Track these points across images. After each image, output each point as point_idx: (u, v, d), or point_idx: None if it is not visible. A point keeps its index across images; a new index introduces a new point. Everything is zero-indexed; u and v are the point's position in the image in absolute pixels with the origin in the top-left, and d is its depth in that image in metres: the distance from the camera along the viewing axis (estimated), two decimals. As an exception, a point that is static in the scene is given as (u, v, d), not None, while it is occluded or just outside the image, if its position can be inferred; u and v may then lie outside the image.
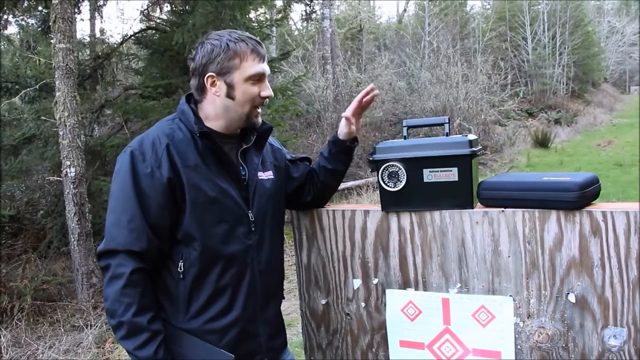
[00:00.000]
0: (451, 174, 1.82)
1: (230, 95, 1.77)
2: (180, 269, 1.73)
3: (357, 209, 1.97)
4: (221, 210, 1.75)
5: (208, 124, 1.81)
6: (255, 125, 1.86)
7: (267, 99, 1.83)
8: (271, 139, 2.04)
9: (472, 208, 1.80)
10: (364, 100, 1.92)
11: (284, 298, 2.05)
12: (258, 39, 1.83)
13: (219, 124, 1.82)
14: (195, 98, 1.84)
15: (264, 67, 1.80)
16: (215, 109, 1.80)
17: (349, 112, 1.93)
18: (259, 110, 1.84)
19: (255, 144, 1.90)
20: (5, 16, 9.02)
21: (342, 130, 1.97)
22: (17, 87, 7.30)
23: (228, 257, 1.76)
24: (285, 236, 2.09)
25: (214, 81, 1.77)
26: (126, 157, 1.71)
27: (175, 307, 1.75)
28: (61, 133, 5.66)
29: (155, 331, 1.66)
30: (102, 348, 4.65)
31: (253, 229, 1.82)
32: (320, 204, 2.08)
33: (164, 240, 1.71)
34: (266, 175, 1.91)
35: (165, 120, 1.82)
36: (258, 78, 1.78)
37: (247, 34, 1.82)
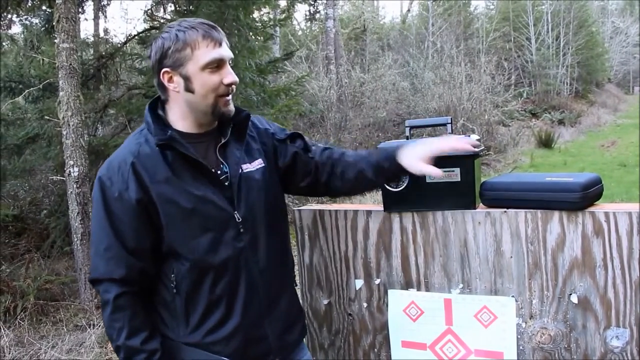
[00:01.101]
0: (454, 175, 1.82)
1: (189, 89, 1.65)
2: (173, 283, 1.68)
3: (359, 209, 1.97)
4: (202, 219, 1.65)
5: (178, 125, 1.71)
6: (226, 116, 1.72)
7: (233, 86, 1.69)
8: (256, 120, 1.90)
9: (475, 208, 1.80)
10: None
11: (296, 285, 1.97)
12: (212, 23, 1.69)
13: (188, 123, 1.71)
14: (162, 99, 1.76)
15: (221, 52, 1.65)
16: (180, 107, 1.70)
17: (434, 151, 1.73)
18: (228, 98, 1.69)
19: (234, 135, 1.78)
20: (9, 16, 9.04)
21: (413, 165, 1.72)
22: (20, 86, 7.30)
23: (218, 266, 1.68)
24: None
25: (171, 77, 1.66)
26: (96, 185, 1.67)
27: (176, 321, 1.72)
28: (64, 133, 5.66)
29: (151, 351, 1.65)
30: (105, 348, 4.64)
31: (242, 230, 1.70)
32: (316, 195, 2.01)
33: (146, 261, 1.67)
34: (253, 165, 1.77)
35: (134, 134, 1.74)
36: (216, 65, 1.64)
37: (200, 20, 1.69)
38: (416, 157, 1.72)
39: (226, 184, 1.71)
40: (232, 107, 1.72)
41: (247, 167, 1.75)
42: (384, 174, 1.82)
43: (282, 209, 1.90)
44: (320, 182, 1.90)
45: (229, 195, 1.70)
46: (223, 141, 1.75)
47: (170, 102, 1.72)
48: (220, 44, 1.66)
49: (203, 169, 1.67)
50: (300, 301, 2.11)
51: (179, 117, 1.72)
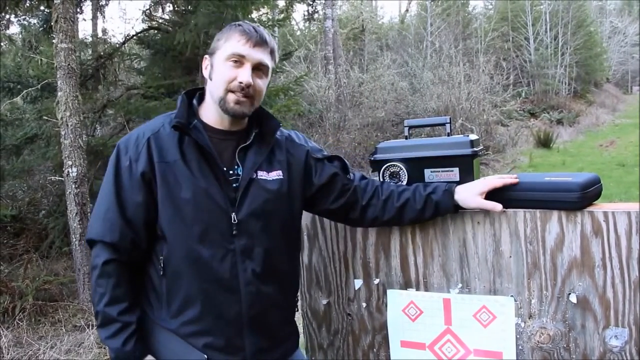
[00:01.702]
0: (452, 174, 1.82)
1: (210, 76, 1.72)
2: (161, 264, 1.68)
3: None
4: (195, 211, 1.64)
5: (206, 117, 1.74)
6: (230, 113, 1.69)
7: (250, 89, 1.67)
8: (294, 135, 1.89)
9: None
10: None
11: (297, 308, 1.92)
12: (263, 30, 1.71)
13: (213, 116, 1.74)
14: (202, 92, 1.81)
15: (249, 51, 1.66)
16: (207, 96, 1.75)
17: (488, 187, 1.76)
18: (240, 97, 1.67)
19: (259, 141, 1.77)
20: (7, 16, 9.03)
21: (470, 200, 1.76)
22: (19, 86, 7.30)
23: (200, 261, 1.65)
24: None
25: (207, 63, 1.74)
26: (114, 151, 1.72)
27: (159, 304, 1.72)
28: (63, 133, 5.66)
29: (126, 323, 1.67)
30: (104, 348, 4.64)
31: (235, 232, 1.66)
32: (342, 220, 1.95)
33: (139, 234, 1.68)
34: (271, 175, 1.74)
35: (163, 115, 1.78)
36: (237, 59, 1.66)
37: (257, 25, 1.71)
38: (473, 193, 1.75)
39: (234, 185, 1.69)
40: (243, 108, 1.69)
41: (263, 175, 1.74)
42: (434, 207, 1.80)
43: (296, 226, 1.87)
44: (356, 207, 1.86)
45: (233, 196, 1.68)
46: (245, 143, 1.75)
47: (206, 91, 1.77)
48: (254, 45, 1.67)
49: (213, 161, 1.67)
50: (300, 302, 2.11)
51: (207, 108, 1.76)
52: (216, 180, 1.67)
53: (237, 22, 1.72)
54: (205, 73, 1.74)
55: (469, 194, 1.75)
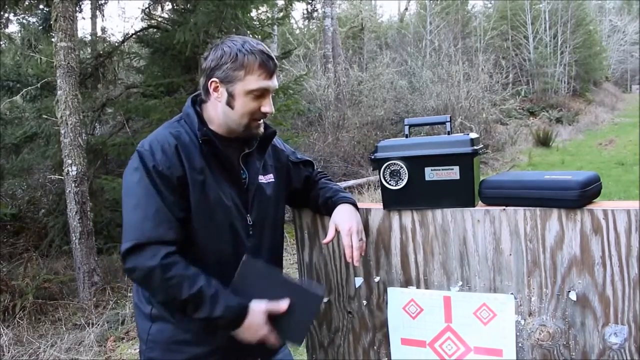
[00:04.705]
0: (453, 173, 1.82)
1: (230, 104, 1.77)
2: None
3: (359, 207, 1.97)
4: (222, 213, 1.76)
5: (212, 126, 1.82)
6: (255, 137, 1.85)
7: (269, 114, 1.80)
8: (275, 140, 2.03)
9: (474, 206, 1.80)
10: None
11: None
12: (271, 52, 1.79)
13: (221, 127, 1.81)
14: (201, 97, 1.85)
15: (269, 84, 1.76)
16: (217, 113, 1.80)
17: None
18: (260, 122, 1.82)
19: (258, 148, 1.90)
20: (6, 14, 9.02)
21: (331, 221, 1.91)
22: (18, 85, 7.30)
23: (227, 258, 1.77)
24: (286, 235, 2.07)
25: (217, 87, 1.77)
26: (136, 157, 1.72)
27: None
28: (62, 132, 5.66)
29: (216, 288, 1.66)
30: (104, 346, 4.65)
31: (251, 232, 1.83)
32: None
33: (183, 233, 1.71)
34: (266, 178, 1.91)
35: (171, 122, 1.83)
36: (260, 93, 1.76)
37: (262, 46, 1.79)
38: (334, 221, 1.89)
39: (245, 187, 1.84)
40: (262, 130, 1.85)
41: (262, 179, 1.90)
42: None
43: (281, 225, 2.01)
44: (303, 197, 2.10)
45: (245, 199, 1.83)
46: (247, 151, 1.88)
47: (208, 105, 1.83)
48: (271, 76, 1.77)
49: (231, 169, 1.81)
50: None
51: (212, 120, 1.83)
52: (234, 186, 1.81)
53: (250, 49, 1.74)
54: (219, 98, 1.78)
55: (333, 220, 1.89)
